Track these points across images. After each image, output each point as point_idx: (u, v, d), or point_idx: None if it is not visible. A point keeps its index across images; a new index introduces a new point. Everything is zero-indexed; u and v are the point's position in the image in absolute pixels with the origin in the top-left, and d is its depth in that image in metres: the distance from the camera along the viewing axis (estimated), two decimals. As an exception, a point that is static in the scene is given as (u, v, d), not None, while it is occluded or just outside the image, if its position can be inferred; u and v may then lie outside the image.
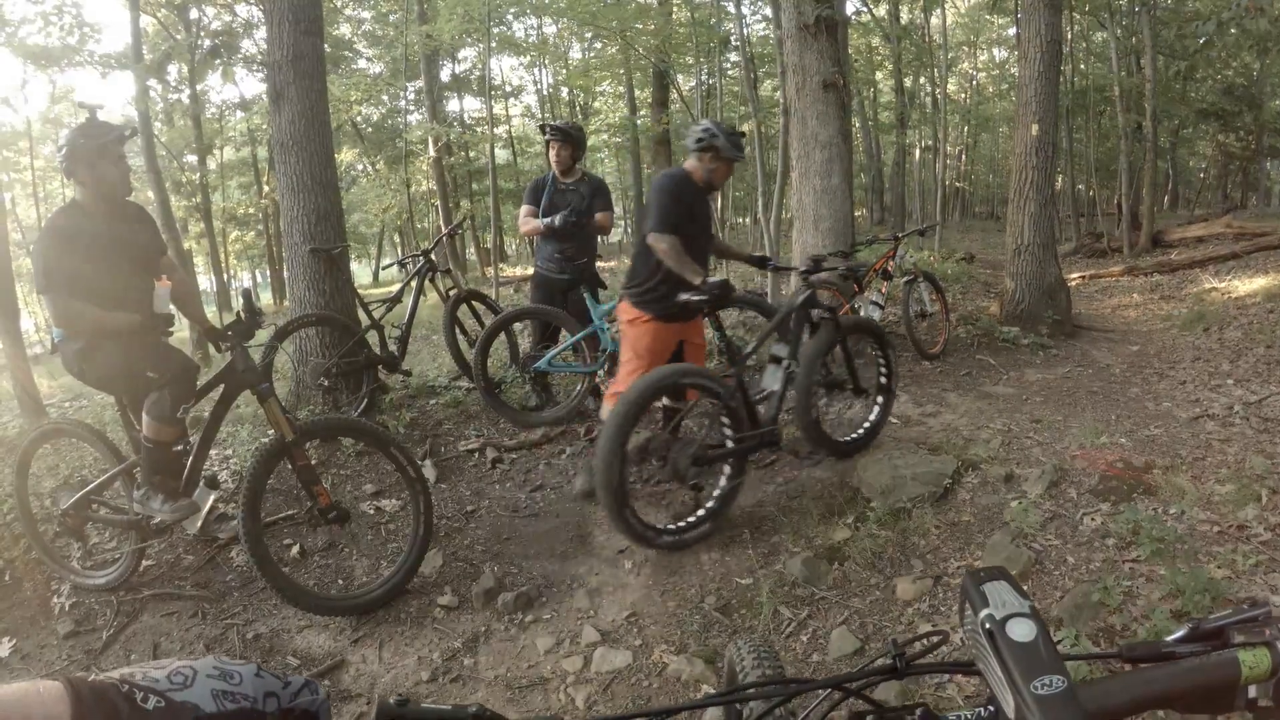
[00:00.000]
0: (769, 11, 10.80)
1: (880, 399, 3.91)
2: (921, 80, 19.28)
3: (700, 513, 3.21)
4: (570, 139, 4.38)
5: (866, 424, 3.87)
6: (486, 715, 0.62)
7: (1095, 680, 0.62)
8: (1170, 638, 0.67)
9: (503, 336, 4.86)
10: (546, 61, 18.50)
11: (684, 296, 3.19)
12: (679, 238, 3.22)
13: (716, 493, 3.24)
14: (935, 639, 0.75)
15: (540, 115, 19.84)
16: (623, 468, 2.94)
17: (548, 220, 4.31)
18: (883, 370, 3.91)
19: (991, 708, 0.63)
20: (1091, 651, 2.09)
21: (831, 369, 4.09)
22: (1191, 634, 0.66)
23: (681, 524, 3.18)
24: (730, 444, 3.26)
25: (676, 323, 3.43)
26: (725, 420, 3.25)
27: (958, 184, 22.96)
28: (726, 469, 3.28)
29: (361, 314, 4.79)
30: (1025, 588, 0.63)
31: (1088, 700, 0.58)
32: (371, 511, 3.64)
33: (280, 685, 0.60)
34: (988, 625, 0.60)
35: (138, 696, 0.52)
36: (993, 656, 0.59)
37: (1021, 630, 0.59)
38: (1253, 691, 0.62)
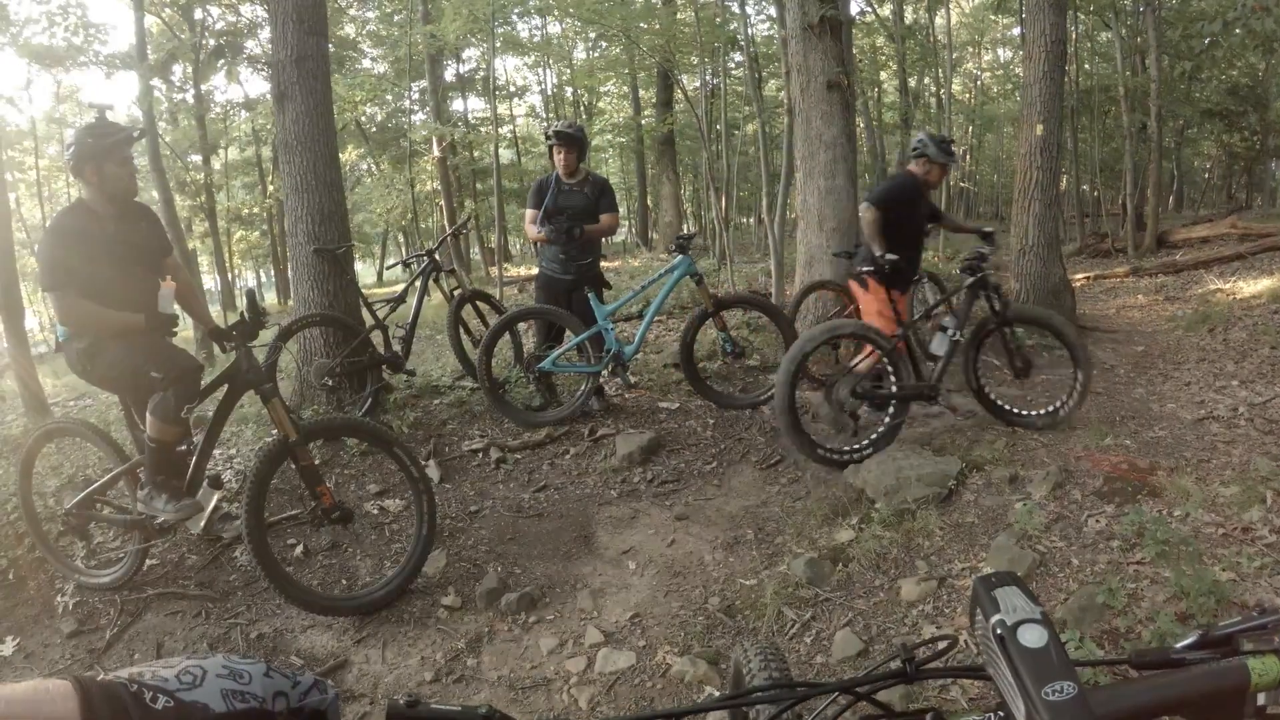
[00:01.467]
0: (773, 11, 10.79)
1: (1075, 384, 3.95)
2: (926, 80, 19.26)
3: (864, 443, 3.74)
4: (574, 142, 4.36)
5: (1048, 407, 4.00)
6: (496, 716, 0.62)
7: (1104, 686, 0.62)
8: (1179, 644, 0.67)
9: (507, 336, 4.86)
10: (551, 61, 18.51)
11: (858, 267, 3.90)
12: (882, 215, 3.99)
13: (880, 429, 3.79)
14: (945, 643, 0.74)
15: (545, 115, 19.86)
16: (794, 392, 3.63)
17: (540, 231, 4.33)
18: (1067, 358, 4.09)
19: (1001, 713, 0.63)
20: (1100, 657, 2.08)
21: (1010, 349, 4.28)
22: (1200, 641, 0.66)
23: (845, 449, 3.71)
24: (890, 389, 3.85)
25: (891, 289, 4.07)
26: (889, 368, 3.83)
27: (962, 184, 22.89)
28: (890, 410, 3.83)
29: (366, 314, 4.79)
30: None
31: (1097, 706, 0.58)
32: (375, 511, 3.64)
33: (289, 685, 0.59)
34: (999, 630, 0.60)
35: (146, 696, 0.52)
36: (1004, 662, 0.58)
37: (1032, 636, 0.58)
38: (1261, 699, 0.62)
